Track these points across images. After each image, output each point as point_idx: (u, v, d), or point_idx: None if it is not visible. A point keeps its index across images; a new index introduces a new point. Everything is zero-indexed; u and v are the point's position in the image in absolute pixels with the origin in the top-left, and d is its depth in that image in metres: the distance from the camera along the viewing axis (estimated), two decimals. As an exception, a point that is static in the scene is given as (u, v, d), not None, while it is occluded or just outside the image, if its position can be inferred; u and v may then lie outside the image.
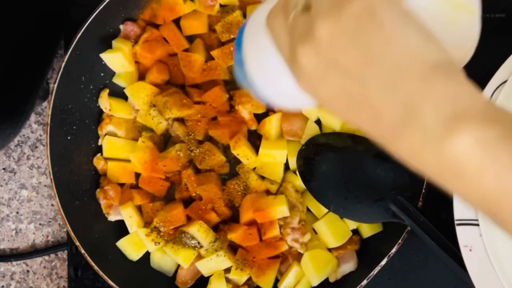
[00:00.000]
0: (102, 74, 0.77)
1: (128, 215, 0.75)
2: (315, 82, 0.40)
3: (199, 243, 0.73)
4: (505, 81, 0.69)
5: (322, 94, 0.40)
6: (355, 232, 0.73)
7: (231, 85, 0.76)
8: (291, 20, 0.41)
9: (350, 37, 0.38)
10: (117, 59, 0.74)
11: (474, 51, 0.44)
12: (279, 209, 0.71)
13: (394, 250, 0.67)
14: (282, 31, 0.42)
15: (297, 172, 0.73)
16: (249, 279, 0.74)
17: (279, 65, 0.43)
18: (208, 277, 0.74)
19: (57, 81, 0.72)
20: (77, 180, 0.76)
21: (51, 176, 0.72)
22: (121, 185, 0.76)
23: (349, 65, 0.38)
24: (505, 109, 0.38)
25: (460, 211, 0.69)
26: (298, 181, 0.73)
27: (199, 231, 0.72)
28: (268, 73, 0.46)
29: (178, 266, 0.76)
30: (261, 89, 0.48)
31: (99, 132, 0.77)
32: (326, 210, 0.72)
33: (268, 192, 0.74)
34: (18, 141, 0.83)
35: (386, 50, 0.37)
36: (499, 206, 0.36)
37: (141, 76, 0.77)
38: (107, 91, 0.76)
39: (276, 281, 0.74)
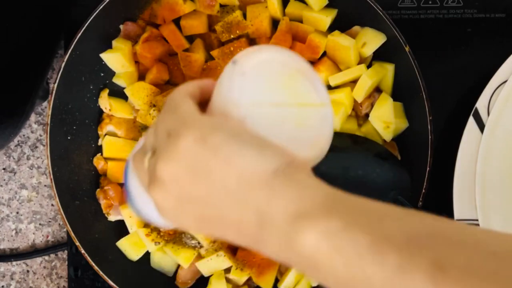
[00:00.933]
0: (102, 74, 0.77)
1: (128, 215, 0.75)
2: (174, 215, 0.43)
3: (199, 243, 0.73)
4: (505, 81, 0.69)
5: (185, 223, 0.43)
6: (355, 232, 0.73)
7: (231, 85, 0.76)
8: (145, 163, 0.44)
9: (191, 170, 0.40)
10: (117, 59, 0.74)
11: (329, 143, 0.47)
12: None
13: (394, 250, 0.67)
14: (142, 173, 0.45)
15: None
16: (249, 279, 0.74)
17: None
18: (208, 277, 0.74)
19: (57, 81, 0.72)
20: (77, 180, 0.75)
21: (51, 176, 0.72)
22: (121, 185, 0.76)
23: (200, 194, 0.41)
24: (347, 197, 0.40)
25: (460, 211, 0.70)
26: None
27: (199, 231, 0.72)
28: (147, 203, 0.48)
29: (178, 266, 0.76)
30: (149, 217, 0.51)
31: (99, 132, 0.77)
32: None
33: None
34: (18, 141, 0.83)
35: (227, 170, 0.40)
36: None
37: (141, 76, 0.77)
38: (107, 91, 0.76)
39: (276, 281, 0.74)
